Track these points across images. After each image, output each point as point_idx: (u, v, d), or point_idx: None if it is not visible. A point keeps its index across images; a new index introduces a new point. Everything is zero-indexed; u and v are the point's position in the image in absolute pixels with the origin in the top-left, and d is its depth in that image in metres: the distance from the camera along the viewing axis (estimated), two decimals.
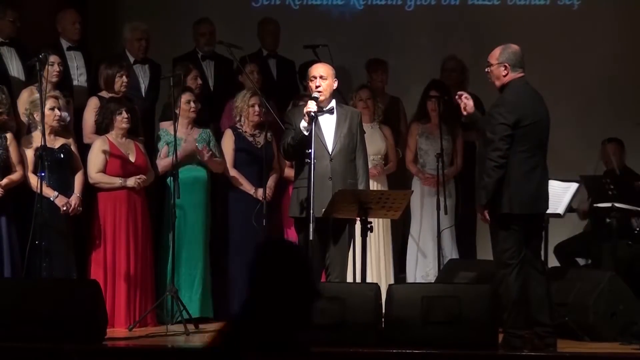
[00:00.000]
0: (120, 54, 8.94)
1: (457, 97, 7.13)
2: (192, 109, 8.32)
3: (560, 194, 7.70)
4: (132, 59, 8.88)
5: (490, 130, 6.87)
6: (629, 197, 8.27)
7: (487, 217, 6.93)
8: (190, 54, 9.35)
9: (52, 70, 8.01)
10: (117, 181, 8.02)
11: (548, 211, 7.55)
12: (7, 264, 7.64)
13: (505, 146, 6.78)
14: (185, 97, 8.28)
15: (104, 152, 8.04)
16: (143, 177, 8.10)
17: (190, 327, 7.75)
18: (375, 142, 8.62)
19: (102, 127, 8.11)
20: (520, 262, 6.85)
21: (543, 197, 6.97)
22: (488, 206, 6.88)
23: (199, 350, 7.09)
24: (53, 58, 8.04)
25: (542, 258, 7.82)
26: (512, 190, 6.81)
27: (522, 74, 6.98)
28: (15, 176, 7.75)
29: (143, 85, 8.92)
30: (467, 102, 7.02)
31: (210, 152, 8.28)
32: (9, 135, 7.76)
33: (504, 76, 6.94)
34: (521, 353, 6.88)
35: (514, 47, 7.02)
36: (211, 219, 8.49)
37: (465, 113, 7.04)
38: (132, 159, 8.10)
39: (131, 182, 8.03)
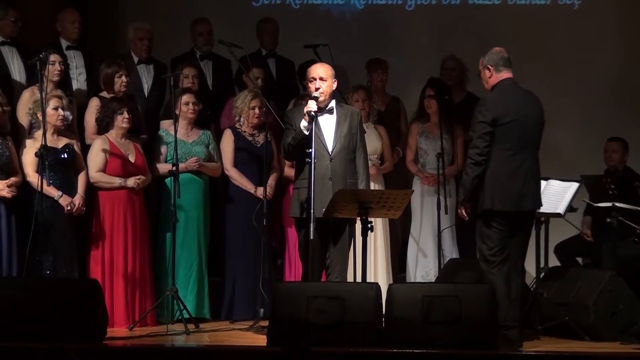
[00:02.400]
0: (123, 54, 8.94)
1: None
2: (190, 110, 8.34)
3: (561, 193, 7.70)
4: (136, 59, 8.89)
5: (472, 129, 7.08)
6: (629, 197, 8.27)
7: (465, 214, 7.10)
8: (188, 53, 9.35)
9: (53, 69, 8.01)
10: (117, 181, 8.02)
11: (548, 211, 7.58)
12: (14, 263, 7.65)
13: (484, 144, 6.93)
14: (185, 98, 8.30)
15: (104, 151, 8.03)
16: (142, 177, 8.11)
17: (190, 326, 7.76)
18: (371, 142, 8.62)
19: (102, 126, 8.11)
20: (503, 260, 6.97)
21: (530, 195, 7.03)
22: (465, 203, 7.07)
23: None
24: (54, 57, 8.04)
25: (542, 258, 7.85)
26: (495, 187, 6.94)
27: (509, 75, 7.11)
28: (19, 177, 7.75)
29: (146, 85, 8.92)
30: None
31: (198, 162, 8.29)
32: (9, 137, 7.76)
33: (490, 78, 7.13)
34: (521, 353, 6.89)
35: (496, 49, 7.19)
36: (210, 218, 8.50)
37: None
38: (131, 159, 8.11)
39: (131, 182, 8.03)
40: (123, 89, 8.34)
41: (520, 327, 7.05)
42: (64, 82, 8.28)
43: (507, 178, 6.96)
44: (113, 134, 8.10)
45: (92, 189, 8.06)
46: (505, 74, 7.09)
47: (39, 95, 7.65)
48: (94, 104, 8.31)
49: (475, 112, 7.04)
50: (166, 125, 8.48)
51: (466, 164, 7.09)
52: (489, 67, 7.10)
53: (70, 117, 7.98)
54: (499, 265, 6.97)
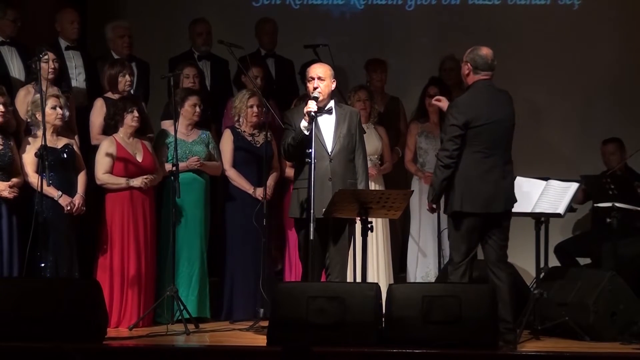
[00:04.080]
0: (103, 55, 8.88)
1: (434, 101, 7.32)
2: (196, 113, 8.35)
3: (561, 193, 7.70)
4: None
5: (443, 130, 7.12)
6: (629, 197, 8.26)
7: (432, 210, 7.27)
8: (186, 53, 9.34)
9: (47, 66, 7.97)
10: (124, 181, 8.02)
11: (548, 211, 7.57)
12: (15, 263, 7.65)
13: (453, 147, 6.95)
14: (192, 100, 8.31)
15: (111, 152, 8.02)
16: (150, 176, 8.10)
17: (190, 326, 7.76)
18: (372, 143, 8.62)
19: (112, 124, 8.11)
20: (468, 263, 7.01)
21: (502, 197, 7.02)
22: (434, 202, 7.16)
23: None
24: (48, 54, 8.01)
25: (542, 258, 7.84)
26: (465, 189, 6.97)
27: (487, 77, 7.10)
28: (21, 178, 7.75)
29: None
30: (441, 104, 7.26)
31: (199, 161, 8.29)
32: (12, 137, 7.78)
33: (467, 75, 7.16)
34: (521, 353, 6.89)
35: (483, 51, 7.15)
36: (210, 218, 8.50)
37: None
38: (139, 158, 8.10)
39: (138, 182, 8.03)
40: (127, 88, 8.35)
41: (515, 332, 7.05)
42: (59, 79, 8.25)
43: (478, 180, 6.96)
44: (121, 134, 8.09)
45: (98, 192, 8.06)
46: (483, 76, 7.08)
47: (36, 93, 7.65)
48: (98, 105, 8.31)
49: (447, 114, 7.06)
50: (167, 125, 8.48)
51: (435, 166, 7.12)
52: (469, 64, 7.10)
53: (67, 113, 7.96)
54: (462, 268, 7.01)
